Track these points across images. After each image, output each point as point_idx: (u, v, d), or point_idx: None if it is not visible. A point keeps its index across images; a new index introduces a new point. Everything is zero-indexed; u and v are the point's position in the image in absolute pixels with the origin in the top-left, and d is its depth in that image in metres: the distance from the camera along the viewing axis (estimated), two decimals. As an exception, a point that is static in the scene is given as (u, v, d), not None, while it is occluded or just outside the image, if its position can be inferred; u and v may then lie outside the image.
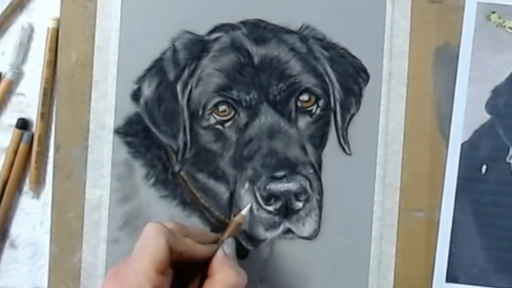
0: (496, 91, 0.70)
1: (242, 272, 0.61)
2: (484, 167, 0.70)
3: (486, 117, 0.70)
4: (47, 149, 0.73)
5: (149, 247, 0.58)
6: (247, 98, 0.69)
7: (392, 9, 0.71)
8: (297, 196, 0.67)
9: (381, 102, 0.71)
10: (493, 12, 0.69)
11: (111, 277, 0.59)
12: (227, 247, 0.64)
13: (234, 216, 0.68)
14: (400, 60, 0.71)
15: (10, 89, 0.73)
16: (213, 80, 0.70)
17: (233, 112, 0.69)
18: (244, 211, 0.67)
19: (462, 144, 0.70)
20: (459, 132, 0.70)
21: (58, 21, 0.72)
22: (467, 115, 0.70)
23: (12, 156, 0.72)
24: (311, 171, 0.69)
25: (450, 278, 0.70)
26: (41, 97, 0.72)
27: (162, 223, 0.61)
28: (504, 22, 0.69)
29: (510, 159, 0.69)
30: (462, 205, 0.70)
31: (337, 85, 0.71)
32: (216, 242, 0.64)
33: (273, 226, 0.68)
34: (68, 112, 0.71)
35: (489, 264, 0.69)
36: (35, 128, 0.73)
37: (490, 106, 0.69)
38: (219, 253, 0.63)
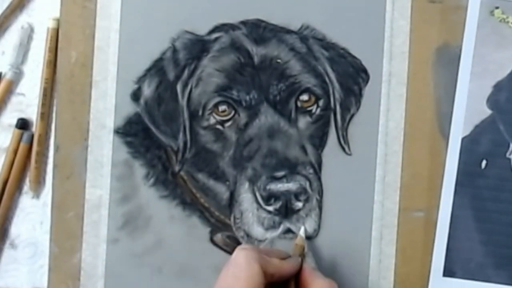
0: (497, 87, 0.70)
1: (332, 281, 0.62)
2: (484, 162, 0.70)
3: (487, 112, 0.70)
4: (47, 149, 0.73)
5: (244, 275, 0.58)
6: (247, 98, 0.69)
7: (392, 9, 0.71)
8: (297, 196, 0.67)
9: (381, 102, 0.71)
10: (497, 8, 0.69)
11: None
12: (311, 259, 0.66)
13: (235, 217, 0.68)
14: (400, 60, 0.71)
15: (10, 89, 0.73)
16: (213, 80, 0.70)
17: (233, 112, 0.69)
18: (301, 232, 0.67)
19: (463, 139, 0.70)
20: (460, 126, 0.70)
21: (58, 21, 0.72)
22: (468, 110, 0.70)
23: (12, 156, 0.72)
24: (311, 171, 0.69)
25: (447, 272, 0.70)
26: (41, 97, 0.72)
27: (250, 247, 0.61)
28: (507, 17, 0.69)
29: (510, 154, 0.69)
30: (461, 199, 0.70)
31: (337, 85, 0.71)
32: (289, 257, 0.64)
33: (273, 226, 0.68)
34: (68, 112, 0.71)
35: (486, 259, 0.70)
36: (35, 128, 0.73)
37: (492, 101, 0.70)
38: (307, 266, 0.63)
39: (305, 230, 0.67)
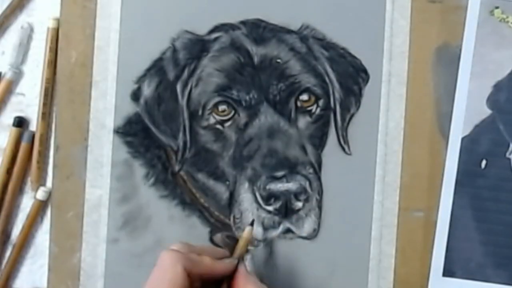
0: (497, 86, 0.70)
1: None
2: (483, 162, 0.70)
3: (487, 112, 0.70)
4: (47, 149, 0.73)
5: (167, 277, 0.58)
6: (247, 98, 0.69)
7: (392, 9, 0.71)
8: (297, 196, 0.67)
9: (381, 102, 0.71)
10: (497, 7, 0.69)
11: None
12: (248, 263, 0.64)
13: (235, 217, 0.68)
14: (400, 60, 0.71)
15: (10, 89, 0.73)
16: (213, 80, 0.70)
17: (232, 112, 0.69)
18: (248, 227, 0.65)
19: (462, 139, 0.70)
20: (460, 126, 0.70)
21: (58, 21, 0.72)
22: (468, 109, 0.70)
23: (10, 154, 0.72)
24: (311, 171, 0.68)
25: (447, 272, 0.70)
26: (42, 97, 0.72)
27: (176, 249, 0.60)
28: (507, 17, 0.69)
29: (510, 154, 0.69)
30: (461, 199, 0.70)
31: (337, 85, 0.71)
32: (227, 258, 0.64)
33: (272, 226, 0.68)
34: (68, 112, 0.71)
35: (486, 259, 0.69)
36: (36, 128, 0.73)
37: (491, 101, 0.69)
38: (242, 269, 0.62)
39: (252, 229, 0.65)
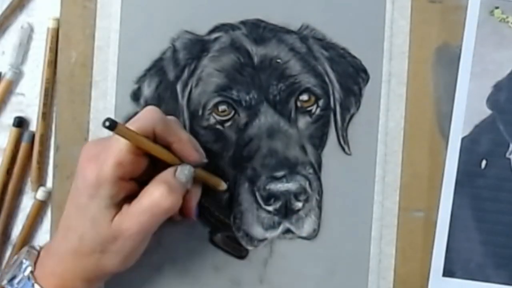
0: (497, 87, 0.70)
1: (175, 197, 0.61)
2: (483, 162, 0.70)
3: (487, 112, 0.70)
4: (47, 149, 0.73)
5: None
6: (247, 98, 0.69)
7: (392, 9, 0.71)
8: (296, 196, 0.67)
9: (381, 102, 0.71)
10: (497, 8, 0.69)
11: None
12: (182, 171, 0.62)
13: (235, 217, 0.69)
14: (400, 60, 0.71)
15: (10, 89, 0.73)
16: (213, 80, 0.70)
17: (233, 112, 0.69)
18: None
19: (462, 139, 0.70)
20: (460, 126, 0.70)
21: (58, 21, 0.72)
22: (468, 110, 0.70)
23: (10, 154, 0.72)
24: (311, 171, 0.68)
25: (447, 272, 0.70)
26: (42, 97, 0.72)
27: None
28: (507, 17, 0.69)
29: (510, 154, 0.69)
30: (461, 199, 0.70)
31: (337, 85, 0.71)
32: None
33: (272, 226, 0.68)
34: (68, 112, 0.71)
35: (486, 259, 0.69)
36: (36, 128, 0.73)
37: (491, 101, 0.69)
38: (172, 169, 0.62)
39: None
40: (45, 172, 0.73)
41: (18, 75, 0.73)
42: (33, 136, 0.73)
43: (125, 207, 0.61)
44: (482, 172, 0.70)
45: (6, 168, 0.72)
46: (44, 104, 0.72)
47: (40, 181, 0.73)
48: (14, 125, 0.73)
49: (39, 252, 0.65)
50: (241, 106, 0.69)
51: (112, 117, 0.70)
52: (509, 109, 0.70)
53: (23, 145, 0.73)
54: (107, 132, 0.70)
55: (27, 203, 0.74)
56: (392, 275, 0.70)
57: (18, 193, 0.73)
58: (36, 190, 0.73)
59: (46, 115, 0.72)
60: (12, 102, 0.74)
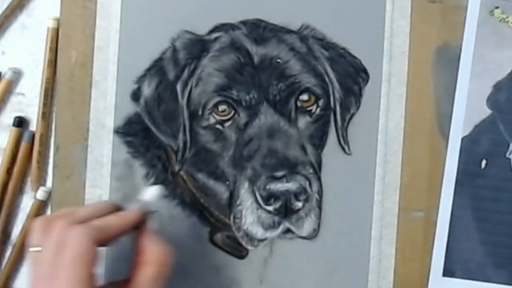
0: (497, 86, 0.70)
1: (167, 250, 0.60)
2: (483, 162, 0.70)
3: (487, 112, 0.70)
4: (47, 149, 0.73)
5: (78, 256, 0.56)
6: (247, 98, 0.69)
7: (392, 9, 0.71)
8: (296, 196, 0.67)
9: (381, 102, 0.71)
10: (497, 8, 0.69)
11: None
12: (153, 221, 0.62)
13: (235, 217, 0.69)
14: (400, 60, 0.71)
15: (9, 89, 0.73)
16: (213, 80, 0.70)
17: (233, 112, 0.69)
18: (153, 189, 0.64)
19: (462, 139, 0.70)
20: (460, 126, 0.70)
21: (58, 21, 0.72)
22: (468, 109, 0.70)
23: (10, 154, 0.72)
24: (311, 171, 0.68)
25: (447, 272, 0.70)
26: (43, 96, 0.72)
27: (80, 224, 0.58)
28: (507, 17, 0.69)
29: (510, 154, 0.69)
30: (460, 199, 0.70)
31: (337, 85, 0.71)
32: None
33: (272, 226, 0.68)
34: (68, 112, 0.71)
35: (486, 259, 0.69)
36: (36, 128, 0.73)
37: (491, 101, 0.70)
38: (147, 228, 0.61)
39: (158, 189, 0.64)
40: (45, 172, 0.73)
41: (17, 75, 0.73)
42: (33, 136, 0.73)
43: None
44: (482, 172, 0.70)
45: (6, 168, 0.73)
46: (44, 104, 0.72)
47: (40, 181, 0.73)
48: (14, 125, 0.73)
49: None
50: (241, 106, 0.69)
51: (112, 117, 0.71)
52: (509, 109, 0.70)
53: (23, 145, 0.73)
54: (107, 131, 0.70)
55: (27, 203, 0.74)
56: (392, 275, 0.70)
57: (18, 193, 0.73)
58: (36, 190, 0.73)
59: (46, 115, 0.72)
60: (12, 102, 0.74)
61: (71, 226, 0.57)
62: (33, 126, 0.73)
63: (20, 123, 0.73)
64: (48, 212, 0.73)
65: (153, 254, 0.59)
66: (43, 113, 0.72)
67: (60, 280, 0.56)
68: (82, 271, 0.56)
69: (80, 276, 0.56)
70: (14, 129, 0.73)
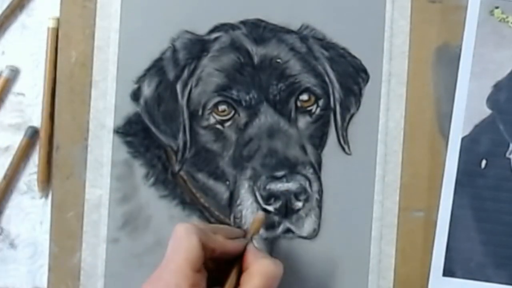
0: (497, 86, 0.70)
1: (278, 262, 0.61)
2: (483, 162, 0.70)
3: (487, 112, 0.70)
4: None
5: (183, 247, 0.59)
6: (247, 98, 0.69)
7: (392, 9, 0.71)
8: (297, 196, 0.67)
9: (381, 102, 0.71)
10: (497, 7, 0.69)
11: (147, 284, 0.60)
12: (257, 242, 0.65)
13: (235, 217, 0.69)
14: (400, 60, 0.71)
15: (8, 87, 0.73)
16: (213, 80, 0.70)
17: (233, 112, 0.69)
18: (261, 212, 0.67)
19: (462, 139, 0.70)
20: (460, 126, 0.70)
21: (58, 21, 0.72)
22: (468, 109, 0.70)
23: (18, 160, 0.73)
24: (311, 171, 0.68)
25: (447, 272, 0.70)
26: (46, 96, 0.72)
27: (191, 223, 0.61)
28: (507, 17, 0.69)
29: (510, 154, 0.69)
30: (461, 199, 0.70)
31: (337, 85, 0.71)
32: (243, 237, 0.64)
33: (272, 225, 0.68)
34: (68, 112, 0.71)
35: (486, 259, 0.69)
36: (41, 128, 0.72)
37: (491, 101, 0.70)
38: (251, 247, 0.63)
39: (264, 214, 0.66)
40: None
41: (15, 73, 0.73)
42: (34, 132, 0.72)
43: None
44: (482, 172, 0.70)
45: (7, 167, 0.73)
46: (51, 104, 0.72)
47: (48, 180, 0.73)
48: (26, 135, 0.72)
49: None
50: (241, 106, 0.69)
51: (112, 117, 0.71)
52: (509, 109, 0.70)
53: (24, 140, 0.72)
54: (107, 131, 0.70)
55: (26, 203, 0.73)
56: (392, 275, 0.70)
57: (18, 192, 0.73)
58: (43, 190, 0.73)
59: (52, 114, 0.72)
60: (12, 102, 0.74)
61: (183, 223, 0.61)
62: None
63: (34, 133, 0.73)
64: (48, 212, 0.72)
65: (260, 266, 0.60)
66: (50, 113, 0.72)
67: (163, 267, 0.59)
68: (185, 262, 0.58)
69: (181, 265, 0.58)
70: (26, 139, 0.72)
